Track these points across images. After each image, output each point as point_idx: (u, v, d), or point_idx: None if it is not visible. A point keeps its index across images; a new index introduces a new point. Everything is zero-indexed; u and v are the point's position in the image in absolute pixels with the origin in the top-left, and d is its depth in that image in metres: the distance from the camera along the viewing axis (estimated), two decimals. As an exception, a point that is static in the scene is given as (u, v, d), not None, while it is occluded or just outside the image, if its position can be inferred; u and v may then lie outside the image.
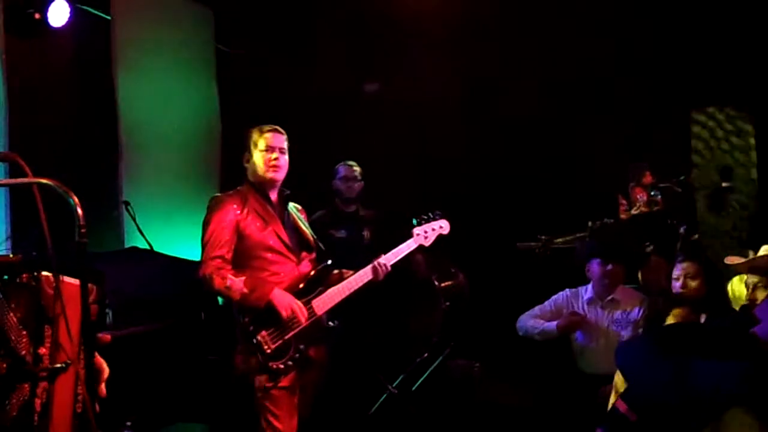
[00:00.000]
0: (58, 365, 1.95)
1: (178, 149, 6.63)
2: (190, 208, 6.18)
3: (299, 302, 3.72)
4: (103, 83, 6.00)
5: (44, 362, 1.92)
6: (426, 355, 5.33)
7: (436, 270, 5.42)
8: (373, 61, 6.77)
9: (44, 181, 1.84)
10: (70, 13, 5.51)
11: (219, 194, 3.95)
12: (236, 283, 3.65)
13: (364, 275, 3.90)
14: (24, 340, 1.89)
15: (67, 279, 2.00)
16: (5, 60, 5.08)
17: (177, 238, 6.12)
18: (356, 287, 3.89)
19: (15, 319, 1.88)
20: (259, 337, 3.65)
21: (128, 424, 4.50)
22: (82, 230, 1.82)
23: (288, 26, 6.78)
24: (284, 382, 3.69)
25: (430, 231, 4.09)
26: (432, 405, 5.27)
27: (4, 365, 1.86)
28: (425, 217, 4.11)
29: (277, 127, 3.93)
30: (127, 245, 5.87)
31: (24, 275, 1.92)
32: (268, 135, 3.86)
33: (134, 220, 5.65)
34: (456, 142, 6.49)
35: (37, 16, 5.43)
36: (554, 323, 4.64)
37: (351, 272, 3.92)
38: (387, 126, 6.53)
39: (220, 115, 7.02)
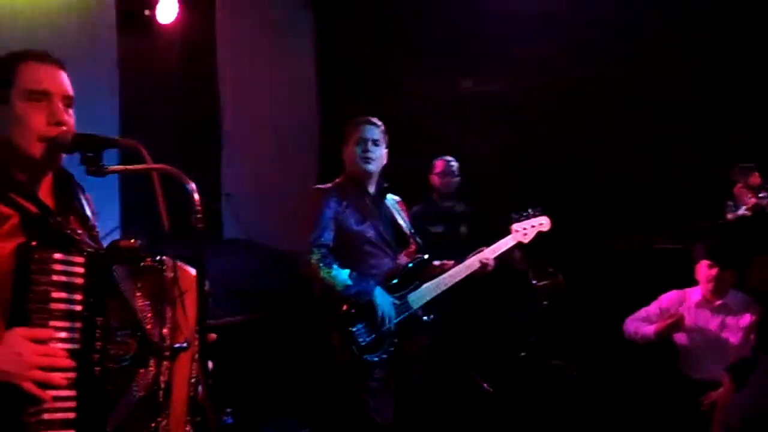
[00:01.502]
0: (181, 344, 2.01)
1: (277, 143, 6.75)
2: (289, 200, 6.29)
3: (392, 309, 3.71)
4: (208, 78, 6.18)
5: (167, 342, 1.98)
6: (522, 354, 5.24)
7: (533, 268, 5.33)
8: (474, 56, 6.71)
9: (164, 167, 1.89)
10: (178, 10, 5.70)
11: (318, 186, 3.96)
12: (341, 273, 3.65)
13: (466, 269, 3.86)
14: (150, 320, 1.95)
15: (184, 266, 2.05)
16: (117, 55, 5.31)
17: (276, 230, 6.22)
18: (454, 282, 3.85)
19: (141, 300, 1.94)
20: (354, 329, 3.66)
21: (228, 411, 4.61)
22: (199, 215, 1.85)
23: (388, 21, 6.80)
24: (380, 374, 3.68)
25: (529, 228, 4.02)
26: (526, 405, 5.18)
27: (133, 343, 1.91)
28: (525, 214, 4.04)
29: (372, 119, 3.90)
30: (227, 237, 6.02)
31: (148, 259, 1.97)
32: (362, 127, 3.85)
33: (235, 212, 5.78)
34: (556, 137, 6.36)
35: (146, 13, 5.65)
36: (652, 327, 4.47)
37: (451, 263, 3.88)
38: (486, 121, 6.46)
39: (319, 108, 7.11)
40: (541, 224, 4.04)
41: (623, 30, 6.17)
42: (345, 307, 3.67)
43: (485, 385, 5.33)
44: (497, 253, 3.94)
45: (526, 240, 4.02)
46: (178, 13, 5.71)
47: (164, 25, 5.71)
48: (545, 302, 5.20)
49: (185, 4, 5.74)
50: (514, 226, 4.01)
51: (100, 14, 5.34)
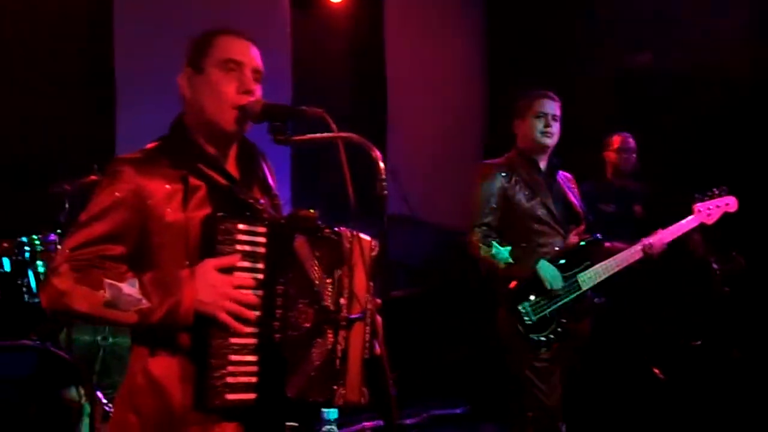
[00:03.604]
0: (358, 315, 2.03)
1: (443, 119, 6.73)
2: (454, 177, 6.27)
3: (560, 280, 3.60)
4: (376, 54, 6.25)
5: (343, 311, 2.00)
6: (700, 342, 4.95)
7: (714, 252, 5.00)
8: (647, 29, 6.36)
9: (350, 136, 1.90)
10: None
11: (487, 161, 3.90)
12: (501, 252, 3.59)
13: (635, 253, 3.70)
14: (327, 290, 1.98)
15: (362, 235, 2.07)
16: (291, 32, 5.48)
17: (440, 206, 6.23)
18: (625, 264, 3.69)
19: (320, 270, 1.96)
20: (521, 308, 3.58)
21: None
22: (383, 183, 1.86)
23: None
24: (546, 355, 3.60)
25: (713, 208, 3.81)
26: (703, 396, 4.91)
27: (311, 312, 1.95)
28: (709, 193, 3.82)
29: (551, 93, 3.81)
30: (391, 212, 6.07)
31: (326, 229, 1.99)
32: (542, 101, 3.76)
33: (400, 187, 5.81)
34: (741, 112, 5.92)
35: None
36: None
37: (625, 246, 3.74)
38: (663, 96, 6.11)
39: (486, 84, 7.02)
40: (727, 204, 3.82)
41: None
42: (512, 285, 3.61)
43: (658, 372, 5.11)
44: (677, 234, 3.77)
45: (710, 221, 3.81)
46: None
47: (335, 3, 5.83)
48: (727, 289, 4.87)
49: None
50: (698, 206, 3.80)
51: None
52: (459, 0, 7.07)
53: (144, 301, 1.82)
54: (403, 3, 6.50)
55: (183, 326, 1.85)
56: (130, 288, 1.82)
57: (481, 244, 3.63)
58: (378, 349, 2.10)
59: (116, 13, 5.08)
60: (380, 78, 6.37)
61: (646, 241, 3.72)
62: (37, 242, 3.92)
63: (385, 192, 1.86)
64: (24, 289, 3.88)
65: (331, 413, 1.93)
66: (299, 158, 5.44)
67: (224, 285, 1.84)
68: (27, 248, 3.89)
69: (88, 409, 3.59)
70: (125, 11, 5.08)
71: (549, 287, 3.56)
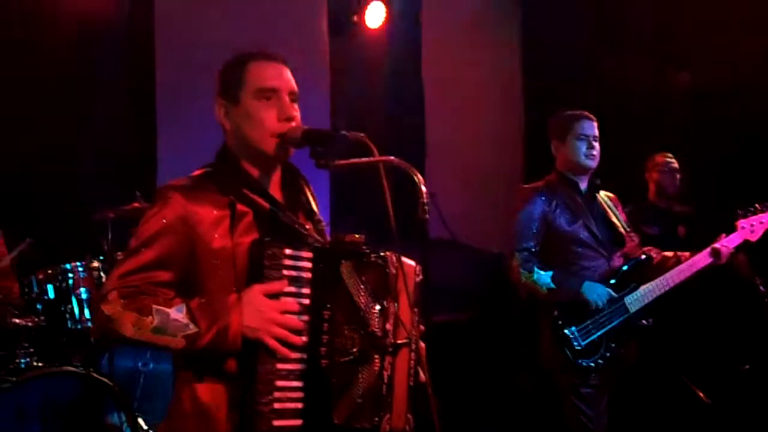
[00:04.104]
0: (404, 341, 2.01)
1: (482, 142, 6.71)
2: (494, 200, 6.24)
3: (606, 298, 3.53)
4: (413, 78, 6.28)
5: (389, 337, 1.98)
6: (747, 366, 4.84)
7: (760, 273, 4.91)
8: (685, 45, 6.29)
9: (392, 160, 1.92)
10: (386, 15, 5.87)
11: (526, 186, 3.88)
12: (543, 277, 3.55)
13: (701, 260, 3.63)
14: (374, 315, 1.95)
15: (407, 260, 2.05)
16: (329, 57, 5.54)
17: (480, 230, 6.19)
18: (675, 283, 3.62)
19: (366, 296, 1.95)
20: (568, 332, 3.52)
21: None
22: (426, 207, 1.87)
23: (603, 11, 6.54)
24: (594, 381, 3.53)
25: (757, 224, 3.73)
26: (751, 421, 4.79)
27: (358, 337, 1.93)
28: (752, 209, 3.75)
29: (588, 113, 3.78)
30: (431, 236, 6.05)
31: (372, 255, 1.98)
32: (582, 122, 3.72)
33: (439, 211, 5.79)
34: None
35: (355, 18, 5.86)
36: None
37: (687, 254, 3.68)
38: (702, 115, 6.03)
39: (525, 106, 7.00)
40: None
41: None
42: (556, 313, 3.55)
43: (702, 395, 5.00)
44: (737, 243, 3.68)
45: (753, 238, 3.73)
46: (385, 18, 5.87)
47: (372, 29, 5.90)
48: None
49: (392, 8, 5.89)
50: (741, 222, 3.73)
51: (313, 20, 5.59)
52: (496, 23, 7.06)
53: (191, 326, 1.83)
54: (441, 27, 6.53)
55: (230, 351, 1.85)
56: (177, 313, 1.84)
57: (522, 270, 3.60)
58: (422, 376, 2.07)
59: (157, 41, 5.18)
60: (418, 102, 6.39)
61: (715, 245, 3.66)
62: (81, 269, 3.97)
63: (428, 216, 1.85)
64: (67, 315, 3.92)
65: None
66: (338, 182, 5.47)
67: (271, 310, 1.84)
68: (70, 275, 3.94)
69: (129, 435, 3.60)
70: (164, 39, 5.17)
71: (595, 307, 3.50)
